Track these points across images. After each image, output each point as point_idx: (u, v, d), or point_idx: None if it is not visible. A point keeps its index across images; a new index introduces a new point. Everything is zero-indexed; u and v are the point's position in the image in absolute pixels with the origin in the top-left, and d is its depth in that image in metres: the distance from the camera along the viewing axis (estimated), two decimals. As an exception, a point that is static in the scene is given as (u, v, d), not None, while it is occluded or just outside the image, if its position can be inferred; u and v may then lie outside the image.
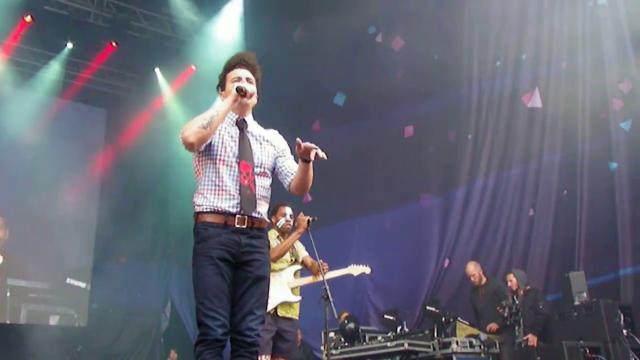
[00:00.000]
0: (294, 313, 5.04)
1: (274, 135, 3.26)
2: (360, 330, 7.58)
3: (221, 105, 3.01)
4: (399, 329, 7.27)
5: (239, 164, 3.02)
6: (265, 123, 10.27)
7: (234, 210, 2.95)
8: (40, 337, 9.70)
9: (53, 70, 10.74)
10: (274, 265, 4.88)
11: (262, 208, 3.05)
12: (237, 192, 2.98)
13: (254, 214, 2.98)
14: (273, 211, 5.17)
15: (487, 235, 7.83)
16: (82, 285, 11.19)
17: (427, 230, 8.45)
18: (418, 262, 8.38)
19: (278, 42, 9.72)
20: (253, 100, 3.15)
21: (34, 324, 10.06)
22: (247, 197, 2.98)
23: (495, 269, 7.41)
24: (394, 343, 6.51)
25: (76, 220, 10.89)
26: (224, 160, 3.02)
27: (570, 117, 7.27)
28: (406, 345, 6.41)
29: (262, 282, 2.97)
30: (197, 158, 3.08)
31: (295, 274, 5.11)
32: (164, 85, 11.32)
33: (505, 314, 6.66)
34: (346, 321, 7.49)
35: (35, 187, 10.28)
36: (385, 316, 7.72)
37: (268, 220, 3.11)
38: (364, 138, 9.08)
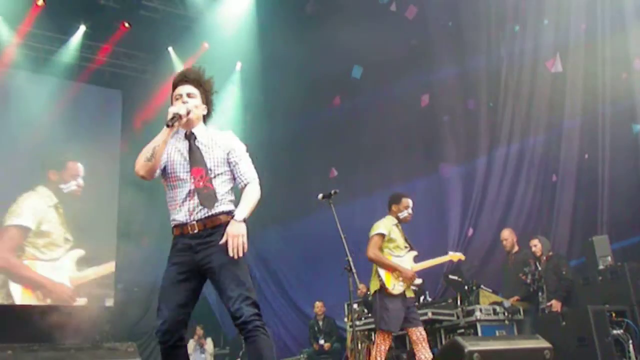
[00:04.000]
0: (411, 294, 5.31)
1: (223, 137, 3.36)
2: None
3: (159, 136, 3.19)
4: (422, 298, 7.30)
5: (190, 172, 3.22)
6: (286, 104, 10.21)
7: (184, 219, 3.16)
8: (68, 317, 9.89)
9: (67, 53, 10.75)
10: (395, 252, 5.22)
11: (224, 206, 3.20)
12: (195, 196, 3.18)
13: (207, 214, 3.14)
14: (396, 200, 5.44)
15: (513, 203, 7.77)
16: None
17: (448, 200, 8.42)
18: (439, 232, 8.37)
19: (290, 16, 9.64)
20: (197, 112, 3.31)
21: (59, 305, 10.22)
22: (205, 195, 3.17)
23: (522, 237, 7.34)
24: (418, 312, 6.53)
25: (98, 203, 11.01)
26: (176, 177, 3.24)
27: (591, 79, 7.14)
28: (430, 314, 6.45)
29: (227, 266, 3.07)
30: (162, 181, 3.34)
31: (414, 259, 5.36)
32: (178, 64, 11.29)
33: (528, 281, 6.65)
34: (368, 292, 7.54)
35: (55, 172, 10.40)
36: (408, 286, 7.73)
37: (227, 210, 3.17)
38: (382, 110, 9.03)
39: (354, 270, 4.44)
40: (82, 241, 10.97)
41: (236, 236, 3.03)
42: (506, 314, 6.55)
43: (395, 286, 5.10)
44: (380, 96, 9.12)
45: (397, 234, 5.32)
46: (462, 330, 6.49)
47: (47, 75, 10.75)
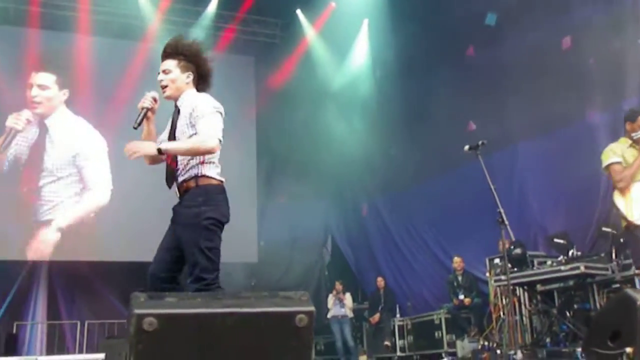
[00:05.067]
0: None
1: (190, 102, 3.32)
2: (527, 255, 7.41)
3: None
4: (570, 252, 6.99)
5: None
6: (417, 58, 9.90)
7: (175, 187, 3.38)
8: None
9: (203, 25, 11.26)
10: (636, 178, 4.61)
11: (183, 170, 3.29)
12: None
13: (177, 182, 3.31)
14: (630, 117, 4.77)
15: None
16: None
17: (596, 148, 7.89)
18: (587, 183, 7.89)
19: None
20: (175, 85, 3.34)
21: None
22: (168, 173, 3.38)
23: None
24: (568, 266, 6.28)
25: (238, 165, 11.55)
26: None
27: None
28: (582, 268, 6.15)
29: (182, 244, 3.26)
30: None
31: None
32: (307, 26, 11.46)
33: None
34: (512, 247, 7.35)
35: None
36: (555, 240, 7.44)
37: (193, 175, 3.25)
38: (519, 57, 8.59)
39: (506, 222, 4.31)
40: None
41: (133, 147, 3.19)
42: (670, 267, 6.11)
43: None
44: (517, 42, 8.66)
45: (633, 157, 4.63)
46: (618, 285, 6.16)
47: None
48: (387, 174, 10.97)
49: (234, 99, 11.68)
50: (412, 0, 9.58)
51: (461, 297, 9.00)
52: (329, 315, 10.43)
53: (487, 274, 8.39)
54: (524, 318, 7.24)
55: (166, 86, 3.36)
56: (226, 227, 10.89)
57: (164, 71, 3.37)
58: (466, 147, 5.00)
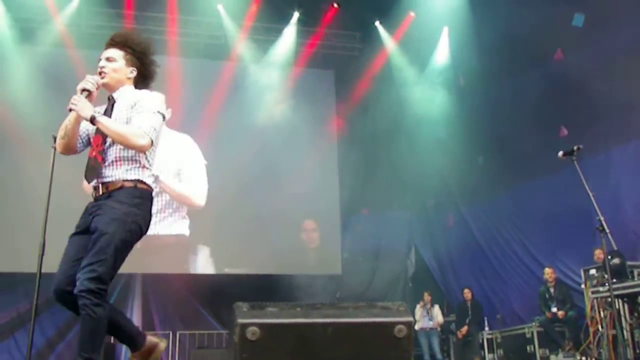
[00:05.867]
0: None
1: (132, 95, 3.25)
2: (626, 265, 7.06)
3: (69, 115, 3.21)
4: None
5: (91, 140, 3.28)
6: (501, 63, 9.65)
7: (94, 184, 3.20)
8: (303, 284, 10.70)
9: (284, 42, 11.48)
10: None
11: (118, 170, 3.16)
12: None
13: (104, 180, 3.14)
14: None
15: None
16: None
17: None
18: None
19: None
20: (116, 76, 3.25)
21: (297, 274, 11.02)
22: (90, 167, 3.21)
23: None
24: None
25: (321, 178, 11.66)
26: (89, 146, 3.31)
27: None
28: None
29: (95, 234, 3.03)
30: None
31: None
32: (386, 38, 11.47)
33: None
34: (609, 256, 7.01)
35: (283, 157, 11.12)
36: (657, 249, 7.04)
37: (132, 179, 3.14)
38: (610, 58, 8.23)
39: (607, 230, 4.11)
40: (309, 214, 11.68)
41: (77, 101, 3.08)
42: None
43: None
44: (608, 43, 8.30)
45: None
46: None
47: (269, 65, 11.57)
48: (474, 182, 10.73)
49: (315, 112, 11.86)
50: (493, 4, 9.38)
51: (554, 309, 8.65)
52: (416, 327, 10.27)
53: (583, 286, 8.03)
54: (625, 332, 6.86)
55: (106, 73, 3.28)
56: (309, 240, 10.90)
57: (107, 58, 3.29)
58: (560, 153, 4.83)
